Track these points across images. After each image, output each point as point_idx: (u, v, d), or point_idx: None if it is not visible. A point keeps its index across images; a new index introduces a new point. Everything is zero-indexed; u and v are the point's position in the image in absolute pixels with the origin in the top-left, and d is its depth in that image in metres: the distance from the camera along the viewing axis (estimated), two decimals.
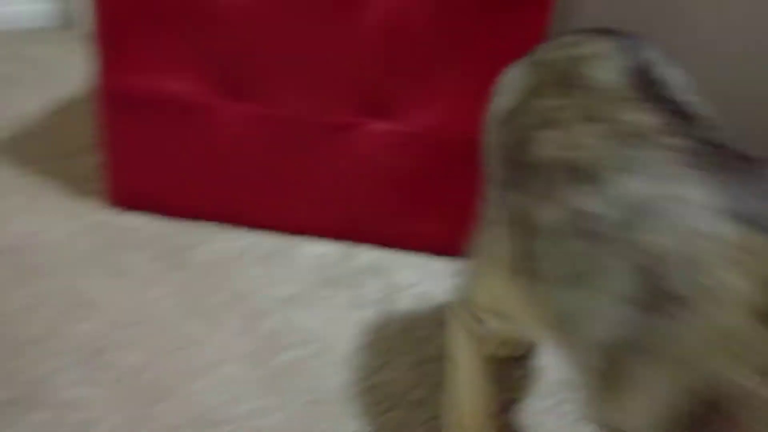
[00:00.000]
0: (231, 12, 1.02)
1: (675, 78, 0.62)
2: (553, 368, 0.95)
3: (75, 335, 0.91)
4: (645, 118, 0.54)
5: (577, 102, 0.58)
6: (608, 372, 0.47)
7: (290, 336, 0.97)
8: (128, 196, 1.15)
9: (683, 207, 0.46)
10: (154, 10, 1.01)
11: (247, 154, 1.11)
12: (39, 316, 0.93)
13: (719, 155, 0.50)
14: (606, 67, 0.60)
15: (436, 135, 1.08)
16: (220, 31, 1.02)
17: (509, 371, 0.95)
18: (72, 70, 1.64)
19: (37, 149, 1.30)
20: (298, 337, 0.97)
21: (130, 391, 0.84)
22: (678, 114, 0.55)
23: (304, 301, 1.04)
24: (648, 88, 0.58)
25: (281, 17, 1.01)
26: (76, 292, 0.98)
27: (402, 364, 0.95)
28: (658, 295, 0.44)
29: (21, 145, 1.30)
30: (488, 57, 1.02)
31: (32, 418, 0.79)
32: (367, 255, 1.16)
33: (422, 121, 1.07)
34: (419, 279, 1.13)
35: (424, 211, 1.15)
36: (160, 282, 1.03)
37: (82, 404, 0.82)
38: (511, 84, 0.68)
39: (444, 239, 1.16)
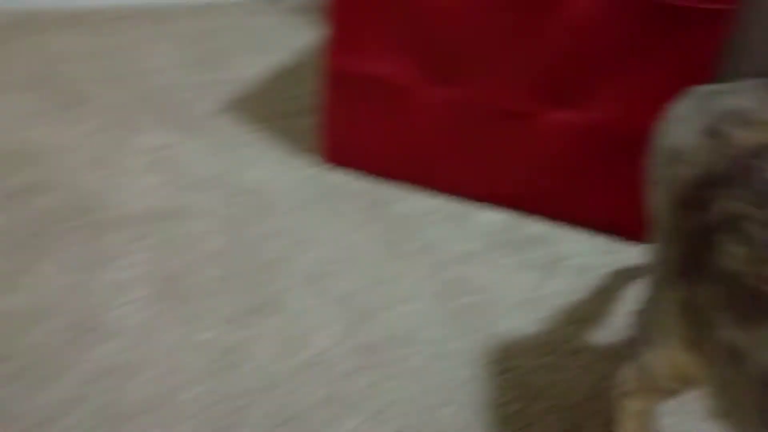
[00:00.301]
0: (442, 9, 1.20)
1: None
2: None
3: (301, 261, 1.15)
4: None
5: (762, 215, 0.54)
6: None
7: (467, 285, 1.16)
8: (339, 155, 1.38)
9: None
10: (379, 8, 1.22)
11: (440, 129, 1.30)
12: (273, 245, 1.18)
13: None
14: None
15: (609, 128, 1.22)
16: (432, 25, 1.21)
17: None
18: (284, 40, 1.90)
19: (260, 110, 1.56)
20: (473, 286, 1.16)
21: (342, 311, 1.07)
22: None
23: (478, 259, 1.23)
24: None
25: (485, 15, 1.18)
26: (299, 229, 1.22)
27: (561, 320, 1.12)
28: None
29: (246, 106, 1.56)
30: (663, 64, 1.14)
31: (270, 322, 1.03)
32: (536, 225, 1.33)
33: (598, 115, 1.21)
34: (581, 251, 1.28)
35: (591, 192, 1.29)
36: (364, 228, 1.25)
37: (307, 315, 1.05)
38: (683, 137, 0.65)
39: (607, 218, 1.30)
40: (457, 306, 1.12)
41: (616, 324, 1.11)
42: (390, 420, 0.91)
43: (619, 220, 1.29)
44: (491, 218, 1.33)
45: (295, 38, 1.92)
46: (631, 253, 1.26)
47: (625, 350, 0.79)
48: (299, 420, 0.89)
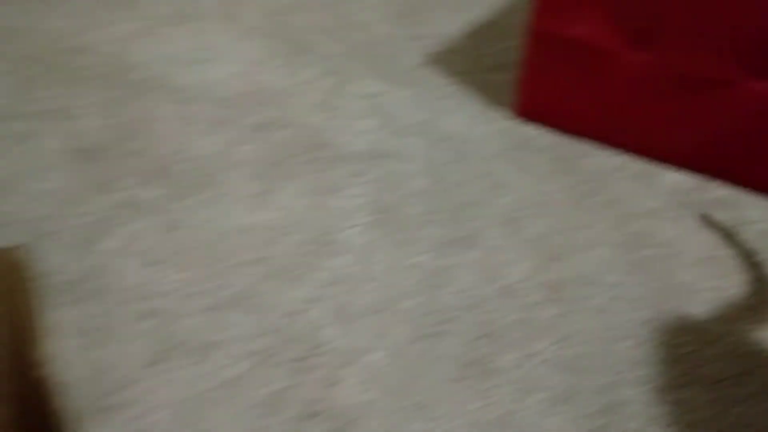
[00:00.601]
0: None
1: None
2: None
3: (496, 204, 1.29)
4: None
5: None
6: None
7: (649, 238, 1.25)
8: (532, 110, 1.49)
9: None
10: None
11: (636, 92, 1.37)
12: (470, 188, 1.32)
13: None
14: None
15: None
16: None
17: None
18: None
19: (459, 64, 1.69)
20: (655, 240, 1.25)
21: (532, 250, 1.20)
22: None
23: (662, 215, 1.31)
24: None
25: None
26: (494, 176, 1.36)
27: (740, 278, 1.19)
28: None
29: (447, 60, 1.70)
30: None
31: (470, 254, 1.19)
32: (721, 189, 1.38)
33: None
34: (763, 217, 1.32)
35: None
36: (553, 179, 1.36)
37: (502, 251, 1.20)
38: None
39: None
40: (639, 256, 1.21)
41: None
42: (573, 346, 1.05)
43: None
44: (677, 179, 1.40)
45: None
46: None
47: None
48: (495, 336, 1.05)
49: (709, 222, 1.30)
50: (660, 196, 1.35)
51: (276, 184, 1.27)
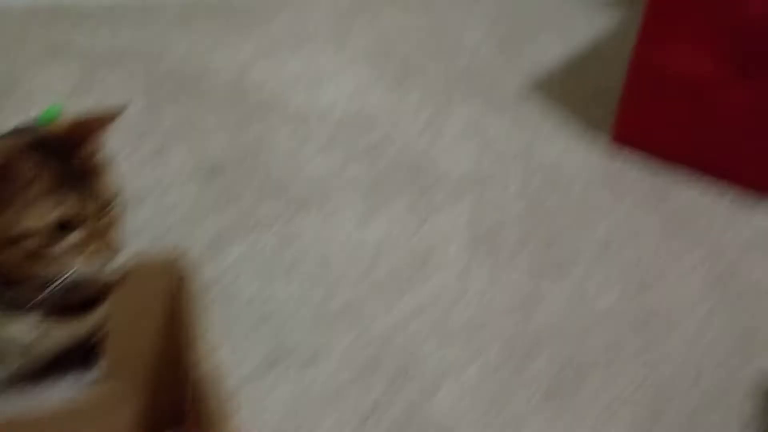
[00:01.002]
0: (758, 6, 1.28)
1: None
2: None
3: (590, 232, 1.34)
4: None
5: None
6: None
7: (742, 274, 1.28)
8: (631, 140, 1.53)
9: None
10: (695, 8, 1.33)
11: (738, 124, 1.39)
12: (568, 214, 1.38)
13: None
14: None
15: None
16: (748, 18, 1.30)
17: None
18: (586, 21, 2.05)
19: (559, 90, 1.74)
20: (748, 277, 1.27)
21: (624, 279, 1.25)
22: None
23: (756, 251, 1.32)
24: None
25: None
26: (589, 203, 1.41)
27: None
28: None
29: (547, 86, 1.76)
30: None
31: (567, 278, 1.25)
32: None
33: None
34: None
35: None
36: (647, 209, 1.41)
37: (597, 276, 1.25)
38: None
39: None
40: (729, 292, 1.24)
41: None
42: (662, 373, 1.09)
43: None
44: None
45: (597, 20, 2.06)
46: None
47: None
48: (583, 361, 1.11)
49: None
50: (755, 230, 1.37)
51: (382, 204, 1.37)
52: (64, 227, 0.81)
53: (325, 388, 1.04)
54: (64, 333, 0.90)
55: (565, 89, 1.75)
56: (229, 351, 1.07)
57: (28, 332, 0.87)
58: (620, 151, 1.55)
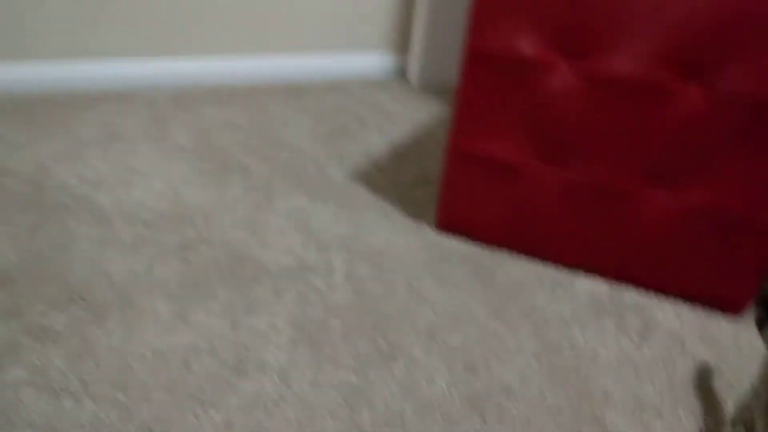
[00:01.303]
0: (557, 100, 1.35)
1: None
2: None
3: (417, 318, 1.30)
4: None
5: None
6: None
7: (567, 346, 1.27)
8: (453, 223, 1.54)
9: None
10: (500, 96, 1.38)
11: (549, 205, 1.43)
12: (394, 301, 1.33)
13: None
14: None
15: (710, 211, 1.31)
16: (547, 113, 1.36)
17: None
18: (407, 116, 2.11)
19: (383, 180, 1.74)
20: (573, 347, 1.27)
21: (454, 362, 1.20)
22: None
23: (578, 323, 1.33)
24: None
25: (598, 108, 1.32)
26: (415, 289, 1.37)
27: (651, 383, 1.20)
28: None
29: (371, 176, 1.75)
30: (761, 156, 1.23)
31: (393, 369, 1.18)
32: (635, 295, 1.42)
33: (699, 198, 1.31)
34: (676, 321, 1.36)
35: (684, 266, 1.38)
36: (472, 290, 1.39)
37: (424, 363, 1.19)
38: None
39: (703, 292, 1.38)
40: (557, 364, 1.22)
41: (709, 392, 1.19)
42: None
43: (716, 296, 1.37)
44: (593, 286, 1.44)
45: (419, 113, 2.12)
46: (723, 328, 1.33)
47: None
48: None
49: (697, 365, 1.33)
50: (576, 303, 1.39)
51: (195, 305, 1.25)
52: None
53: None
54: None
55: (390, 179, 1.75)
56: None
57: None
58: (446, 236, 1.54)
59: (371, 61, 2.38)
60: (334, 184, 1.69)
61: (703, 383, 1.21)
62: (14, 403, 1.03)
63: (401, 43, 2.40)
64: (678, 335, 1.33)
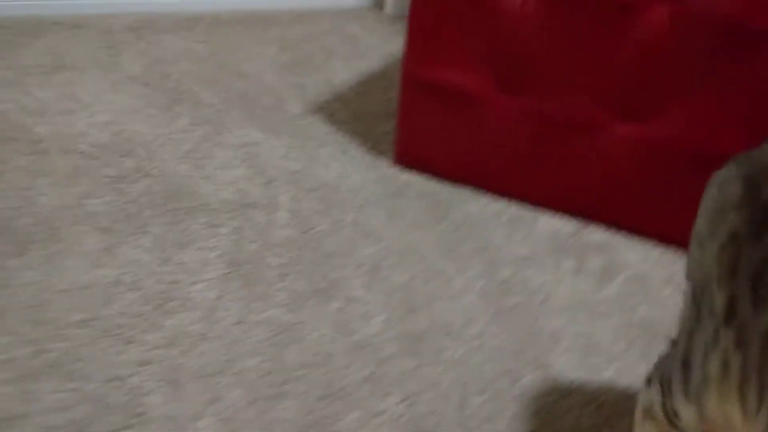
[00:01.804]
0: (515, 22, 1.25)
1: None
2: None
3: (361, 255, 1.23)
4: None
5: None
6: None
7: (518, 286, 1.20)
8: (411, 157, 1.45)
9: None
10: (456, 19, 1.28)
11: (510, 137, 1.34)
12: (338, 238, 1.26)
13: None
14: None
15: (674, 144, 1.23)
16: (504, 37, 1.26)
17: None
18: (378, 47, 2.00)
19: (344, 113, 1.65)
20: (525, 287, 1.20)
21: (395, 302, 1.14)
22: None
23: (535, 262, 1.26)
24: None
25: (558, 30, 1.22)
26: (364, 225, 1.30)
27: (606, 326, 1.14)
28: None
29: (332, 109, 1.67)
30: (731, 86, 1.14)
31: (329, 307, 1.12)
32: (597, 233, 1.34)
33: (664, 131, 1.22)
34: (639, 261, 1.29)
35: (652, 204, 1.30)
36: (425, 227, 1.31)
37: (362, 302, 1.13)
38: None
39: (667, 230, 1.30)
40: (505, 305, 1.16)
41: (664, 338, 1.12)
42: (425, 402, 0.97)
43: (680, 233, 1.29)
44: (553, 224, 1.36)
45: (391, 45, 2.02)
46: None
47: (656, 374, 0.76)
48: (341, 395, 0.97)
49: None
50: (534, 241, 1.31)
51: (125, 239, 1.19)
52: None
53: None
54: None
55: (351, 111, 1.66)
56: None
57: None
58: (403, 171, 1.46)
59: None
60: (292, 117, 1.60)
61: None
62: None
63: None
64: (642, 277, 1.26)
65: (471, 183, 1.43)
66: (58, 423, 0.88)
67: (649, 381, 0.72)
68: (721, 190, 0.63)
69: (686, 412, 0.65)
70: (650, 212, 1.31)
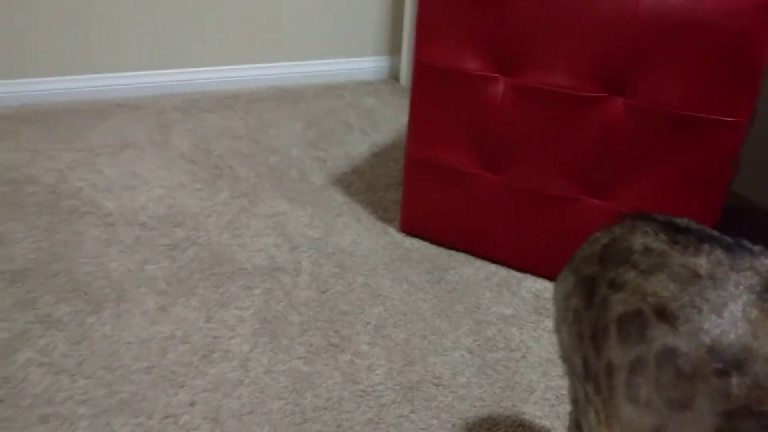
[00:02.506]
0: (496, 112, 1.50)
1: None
2: None
3: (370, 314, 1.48)
4: (697, 260, 0.68)
5: (631, 267, 0.72)
6: None
7: (502, 342, 1.44)
8: (413, 225, 1.71)
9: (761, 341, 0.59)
10: (447, 110, 1.54)
11: (496, 208, 1.59)
12: (350, 298, 1.52)
13: None
14: (642, 233, 0.77)
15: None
16: (487, 124, 1.52)
17: None
18: (393, 119, 2.27)
19: (360, 183, 1.92)
20: (507, 344, 1.44)
21: (395, 354, 1.39)
22: (725, 250, 0.69)
23: (517, 321, 1.50)
24: (684, 234, 0.72)
25: (530, 118, 1.47)
26: (373, 286, 1.56)
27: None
28: None
29: (348, 180, 1.93)
30: (683, 165, 1.38)
31: (340, 359, 1.37)
32: None
33: (625, 204, 1.46)
34: None
35: None
36: (425, 289, 1.56)
37: (368, 356, 1.38)
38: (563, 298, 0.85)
39: None
40: (489, 359, 1.40)
41: None
42: None
43: None
44: (536, 286, 1.60)
45: (404, 117, 2.29)
46: None
47: None
48: None
49: None
50: (519, 302, 1.55)
51: (177, 299, 1.46)
52: None
53: None
54: None
55: (365, 182, 1.92)
56: None
57: None
58: (408, 238, 1.72)
59: (365, 64, 2.54)
60: (314, 188, 1.87)
61: None
62: (23, 379, 1.25)
63: (393, 46, 2.55)
64: None
65: (465, 248, 1.68)
66: None
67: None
68: (561, 284, 0.88)
69: None
70: None
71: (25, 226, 1.64)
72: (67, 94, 2.21)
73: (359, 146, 2.09)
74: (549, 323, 1.50)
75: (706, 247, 0.70)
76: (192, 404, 1.24)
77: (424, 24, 1.49)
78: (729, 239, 0.71)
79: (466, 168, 1.58)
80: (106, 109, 2.18)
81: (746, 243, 0.71)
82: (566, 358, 0.88)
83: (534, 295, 1.58)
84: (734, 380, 0.62)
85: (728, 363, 0.62)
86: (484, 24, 1.44)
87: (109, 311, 1.42)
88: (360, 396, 1.29)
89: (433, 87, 1.54)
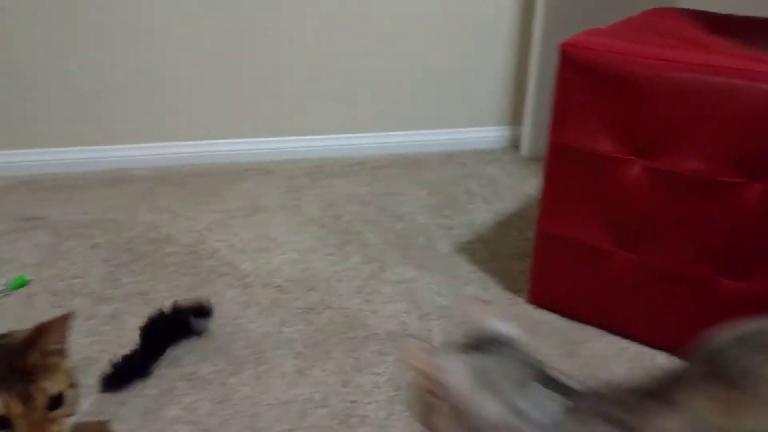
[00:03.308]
0: (631, 193, 1.49)
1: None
2: None
3: None
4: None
5: None
6: None
7: None
8: (543, 297, 1.70)
9: None
10: (581, 188, 1.55)
11: (629, 286, 1.56)
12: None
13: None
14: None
15: None
16: (622, 204, 1.51)
17: None
18: (514, 187, 2.29)
19: (485, 252, 1.93)
20: None
21: None
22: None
23: None
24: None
25: (665, 200, 1.45)
26: None
27: None
28: None
29: (474, 248, 1.95)
30: None
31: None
32: None
33: (764, 288, 1.40)
34: None
35: None
36: (556, 362, 1.53)
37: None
38: None
39: None
40: None
41: None
42: None
43: None
44: (667, 362, 1.54)
45: (526, 186, 2.30)
46: None
47: None
48: None
49: None
50: None
51: (314, 363, 1.50)
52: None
53: None
54: None
55: (490, 251, 1.93)
56: None
57: None
58: (537, 310, 1.71)
59: (485, 133, 2.59)
60: (441, 256, 1.90)
61: None
62: None
63: (514, 117, 2.59)
64: None
65: (597, 323, 1.65)
66: None
67: None
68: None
69: None
70: None
71: (166, 285, 1.74)
72: (198, 157, 2.36)
73: (482, 214, 2.11)
74: None
75: None
76: None
77: (560, 105, 1.52)
78: None
79: (599, 245, 1.57)
80: (237, 172, 2.31)
81: None
82: None
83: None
84: None
85: None
86: (622, 108, 1.45)
87: (249, 371, 1.47)
88: None
89: (566, 165, 1.55)
